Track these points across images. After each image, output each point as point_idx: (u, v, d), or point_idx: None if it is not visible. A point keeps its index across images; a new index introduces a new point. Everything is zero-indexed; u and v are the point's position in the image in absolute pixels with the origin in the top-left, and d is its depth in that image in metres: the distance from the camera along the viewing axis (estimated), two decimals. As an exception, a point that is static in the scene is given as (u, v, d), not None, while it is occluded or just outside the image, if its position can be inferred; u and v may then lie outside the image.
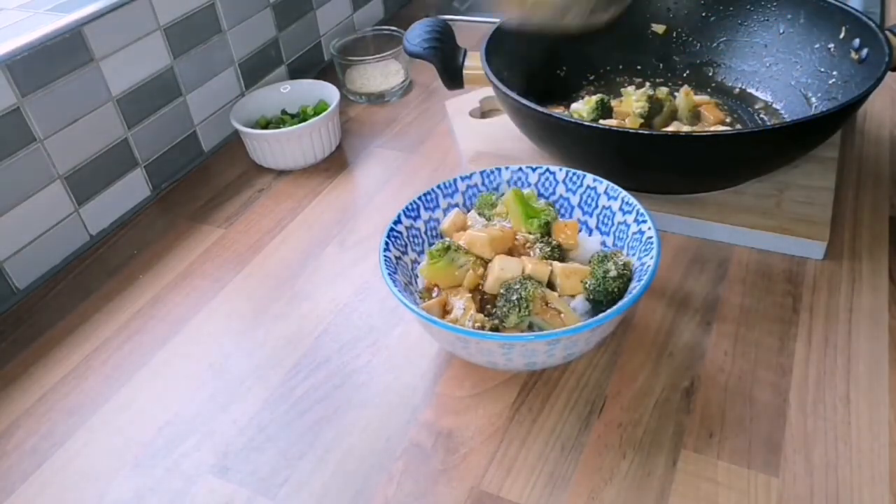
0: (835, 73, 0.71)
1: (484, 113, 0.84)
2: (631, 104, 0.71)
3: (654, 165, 0.60)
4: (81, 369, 0.57)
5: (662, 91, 0.74)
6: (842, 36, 0.71)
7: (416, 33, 0.71)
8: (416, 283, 0.54)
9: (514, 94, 0.61)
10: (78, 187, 0.68)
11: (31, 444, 0.52)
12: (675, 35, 0.83)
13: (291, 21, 0.92)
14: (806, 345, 0.53)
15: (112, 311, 0.63)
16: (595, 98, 0.70)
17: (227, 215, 0.73)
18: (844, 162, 0.70)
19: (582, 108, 0.71)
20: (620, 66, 0.83)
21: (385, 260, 0.51)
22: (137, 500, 0.47)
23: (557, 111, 0.63)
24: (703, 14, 0.82)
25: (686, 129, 0.70)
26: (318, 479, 0.47)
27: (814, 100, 0.73)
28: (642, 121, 0.70)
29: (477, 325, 0.49)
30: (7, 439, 0.52)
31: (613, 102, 0.73)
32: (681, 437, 0.47)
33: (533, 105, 0.60)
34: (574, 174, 0.58)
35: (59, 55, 0.64)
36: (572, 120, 0.61)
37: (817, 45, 0.74)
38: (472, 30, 1.04)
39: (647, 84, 0.76)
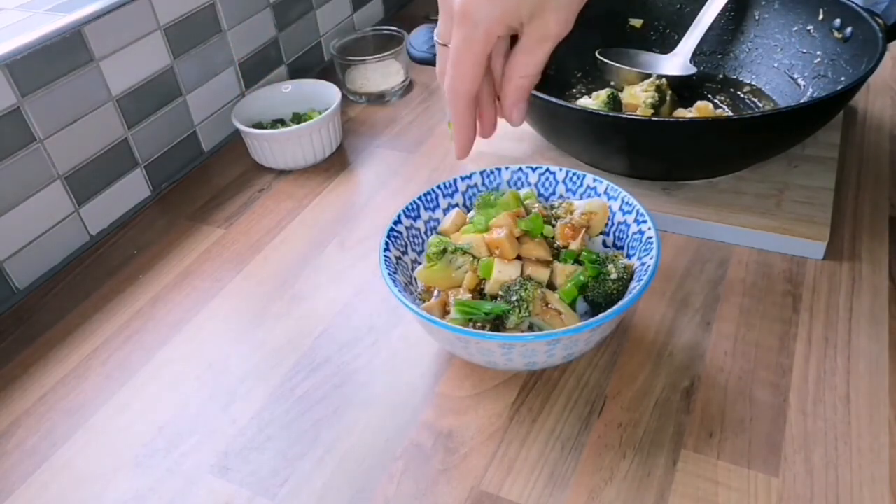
0: (819, 52, 0.72)
1: (484, 113, 0.84)
2: (637, 96, 0.72)
3: (683, 152, 0.62)
4: (81, 369, 0.57)
5: (663, 81, 0.74)
6: (820, 17, 0.72)
7: (422, 39, 0.71)
8: (416, 283, 0.54)
9: (539, 93, 0.61)
10: (78, 187, 0.68)
11: (31, 444, 0.52)
12: (652, 28, 0.85)
13: (291, 21, 0.92)
14: (806, 345, 0.53)
15: (112, 311, 0.63)
16: (605, 93, 0.71)
17: (227, 215, 0.73)
18: (844, 162, 0.70)
19: (592, 104, 0.71)
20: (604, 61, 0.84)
21: (385, 260, 0.51)
22: (137, 500, 0.47)
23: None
24: (678, 6, 0.83)
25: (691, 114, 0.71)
26: (318, 479, 0.47)
27: (800, 80, 0.74)
28: (653, 110, 0.71)
29: (477, 325, 0.49)
30: (7, 439, 0.52)
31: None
32: (681, 437, 0.47)
33: (563, 102, 0.61)
34: (574, 174, 0.58)
35: (59, 55, 0.64)
36: (623, 115, 0.63)
37: (795, 28, 0.75)
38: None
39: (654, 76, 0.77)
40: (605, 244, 0.56)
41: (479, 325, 0.49)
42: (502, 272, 0.50)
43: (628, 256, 0.53)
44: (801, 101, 0.72)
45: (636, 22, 0.85)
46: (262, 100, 0.82)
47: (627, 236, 0.54)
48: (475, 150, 0.75)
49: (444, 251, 0.51)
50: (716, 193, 0.65)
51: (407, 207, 0.56)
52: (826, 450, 0.46)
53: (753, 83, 0.79)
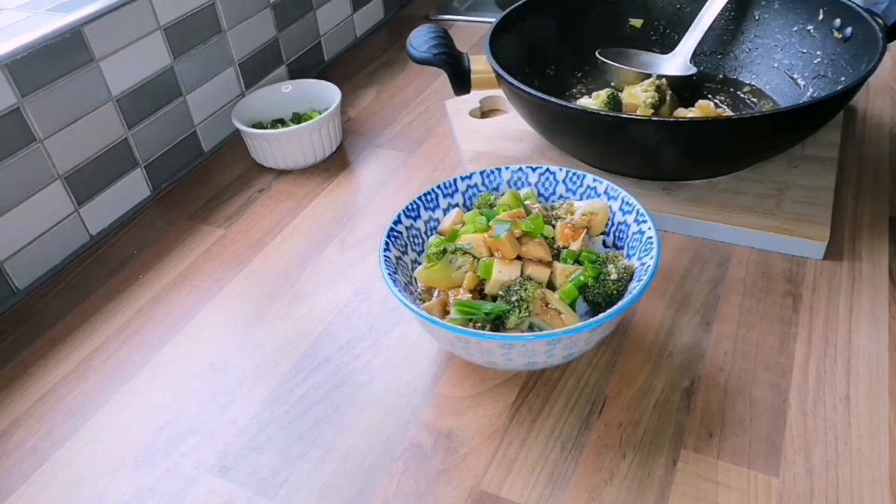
0: (818, 52, 0.73)
1: (484, 113, 0.84)
2: (637, 96, 0.72)
3: (683, 152, 0.62)
4: (81, 369, 0.57)
5: (663, 81, 0.74)
6: (820, 18, 0.73)
7: (422, 40, 0.71)
8: (416, 283, 0.54)
9: (539, 93, 0.62)
10: (78, 187, 0.68)
11: (31, 444, 0.52)
12: (652, 28, 0.85)
13: (291, 21, 0.92)
14: (806, 345, 0.53)
15: (112, 311, 0.63)
16: (605, 93, 0.72)
17: (227, 215, 0.73)
18: (844, 162, 0.70)
19: (592, 104, 0.71)
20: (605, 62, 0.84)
21: (385, 260, 0.51)
22: (137, 500, 0.47)
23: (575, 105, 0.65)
24: (678, 6, 0.83)
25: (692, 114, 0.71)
26: (318, 479, 0.47)
27: (800, 80, 0.74)
28: (653, 110, 0.71)
29: (477, 325, 0.49)
30: (7, 439, 0.52)
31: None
32: (681, 437, 0.47)
33: (563, 102, 0.61)
34: (574, 174, 0.58)
35: (59, 55, 0.64)
36: (623, 115, 0.62)
37: (795, 28, 0.75)
38: (472, 30, 1.04)
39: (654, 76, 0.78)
40: (605, 244, 0.56)
41: (479, 325, 0.49)
42: (502, 272, 0.50)
43: (628, 256, 0.53)
44: (801, 101, 0.72)
45: (636, 22, 0.85)
46: (262, 100, 0.82)
47: (627, 236, 0.54)
48: (475, 150, 0.76)
49: (444, 251, 0.51)
50: (716, 193, 0.65)
51: (407, 207, 0.56)
52: (826, 450, 0.46)
53: (753, 83, 0.79)
